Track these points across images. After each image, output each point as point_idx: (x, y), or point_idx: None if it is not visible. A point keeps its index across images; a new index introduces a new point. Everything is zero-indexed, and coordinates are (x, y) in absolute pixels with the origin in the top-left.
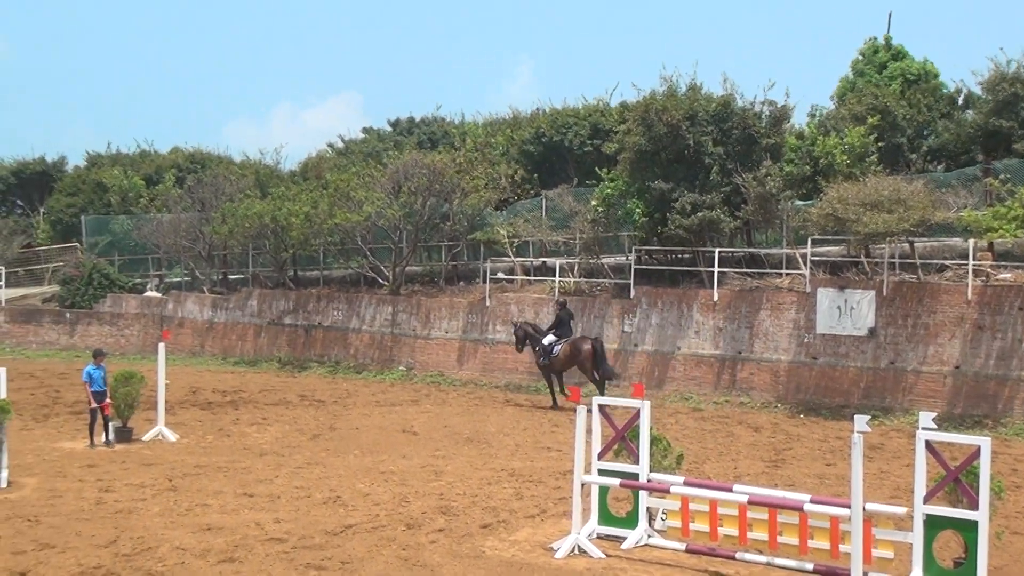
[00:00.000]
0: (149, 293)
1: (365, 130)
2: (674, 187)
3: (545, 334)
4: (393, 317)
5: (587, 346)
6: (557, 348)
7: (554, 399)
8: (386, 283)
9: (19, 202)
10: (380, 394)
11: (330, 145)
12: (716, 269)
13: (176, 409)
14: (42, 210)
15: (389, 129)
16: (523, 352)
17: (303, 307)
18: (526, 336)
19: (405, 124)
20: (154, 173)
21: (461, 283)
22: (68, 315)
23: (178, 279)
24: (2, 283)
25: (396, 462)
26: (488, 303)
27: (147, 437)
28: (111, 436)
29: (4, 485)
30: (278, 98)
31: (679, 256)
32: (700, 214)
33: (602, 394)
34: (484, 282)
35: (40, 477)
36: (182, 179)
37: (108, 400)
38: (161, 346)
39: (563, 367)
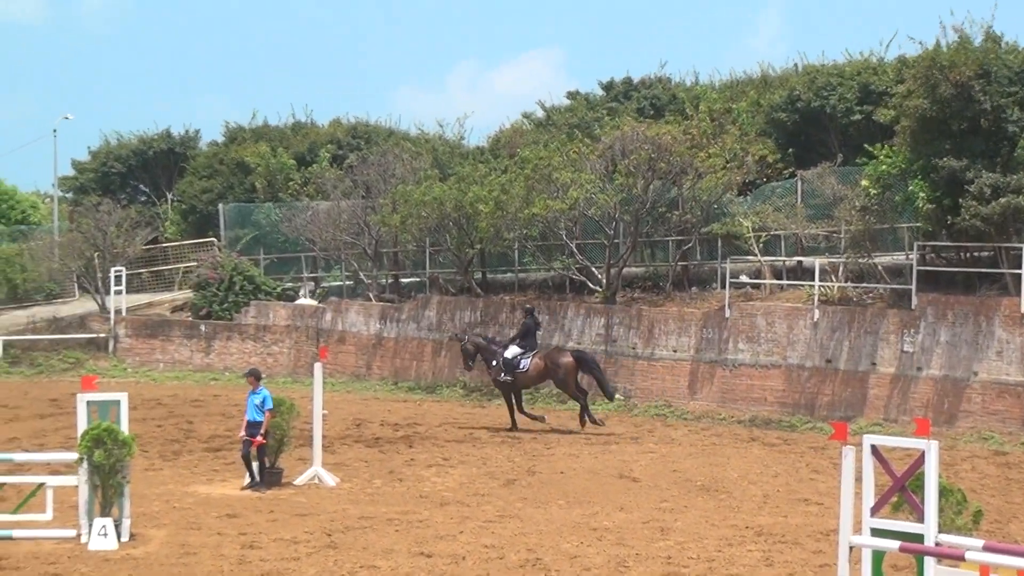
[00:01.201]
0: (302, 301)
1: (570, 95)
2: (968, 165)
3: (505, 345)
4: (607, 331)
5: (567, 359)
6: (525, 362)
7: (513, 420)
8: (598, 288)
9: (143, 187)
10: (591, 429)
11: (526, 115)
12: None
13: (336, 446)
14: (171, 197)
15: (601, 93)
16: (473, 369)
17: (493, 318)
18: (477, 350)
19: (621, 87)
20: (307, 151)
21: (693, 289)
22: (203, 328)
23: (338, 283)
24: (122, 288)
25: (611, 516)
26: (728, 314)
27: (300, 481)
28: (257, 478)
29: (126, 538)
30: (458, 56)
31: (975, 255)
32: (1003, 200)
33: (586, 417)
34: (723, 288)
35: (169, 529)
36: (342, 158)
37: (263, 433)
38: (318, 367)
39: (531, 383)
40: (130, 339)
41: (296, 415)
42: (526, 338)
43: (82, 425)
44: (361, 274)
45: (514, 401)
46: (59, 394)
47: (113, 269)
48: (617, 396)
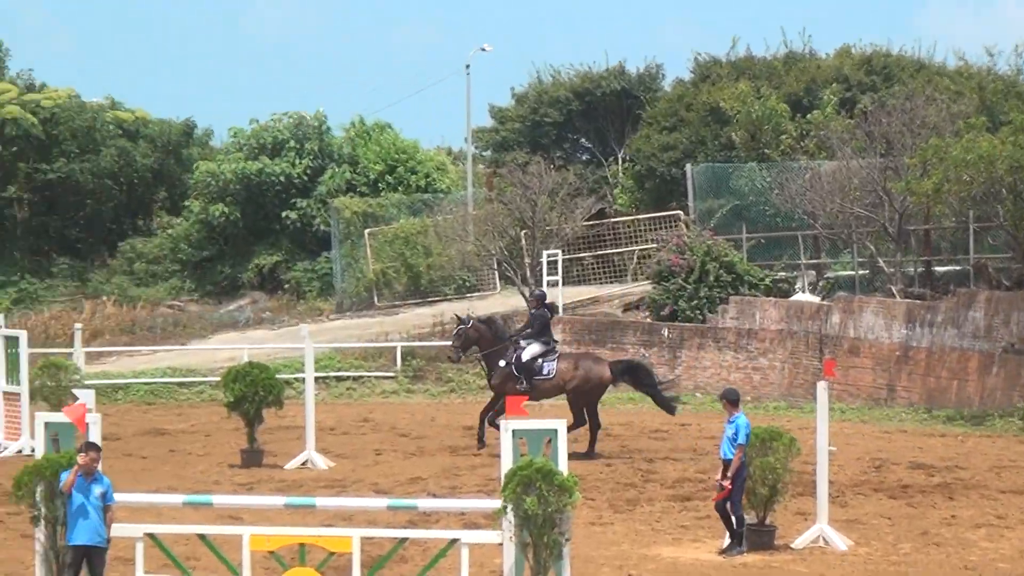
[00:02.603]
0: (800, 296)
1: None
2: None
3: (514, 339)
4: None
5: (603, 371)
6: (550, 367)
7: (482, 436)
8: None
9: (585, 142)
10: None
11: None
12: None
13: (847, 496)
14: (621, 156)
15: None
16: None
17: None
18: (478, 340)
19: None
20: (804, 93)
21: None
22: (665, 332)
23: (848, 272)
24: (558, 278)
25: None
26: None
27: (799, 543)
28: (730, 540)
29: None
30: None
31: None
32: None
33: (592, 446)
34: None
35: None
36: (852, 101)
37: (730, 476)
38: (822, 387)
39: (552, 395)
40: (569, 346)
41: (794, 453)
42: (543, 333)
43: (507, 463)
44: (880, 260)
45: (493, 405)
46: (476, 420)
47: (546, 253)
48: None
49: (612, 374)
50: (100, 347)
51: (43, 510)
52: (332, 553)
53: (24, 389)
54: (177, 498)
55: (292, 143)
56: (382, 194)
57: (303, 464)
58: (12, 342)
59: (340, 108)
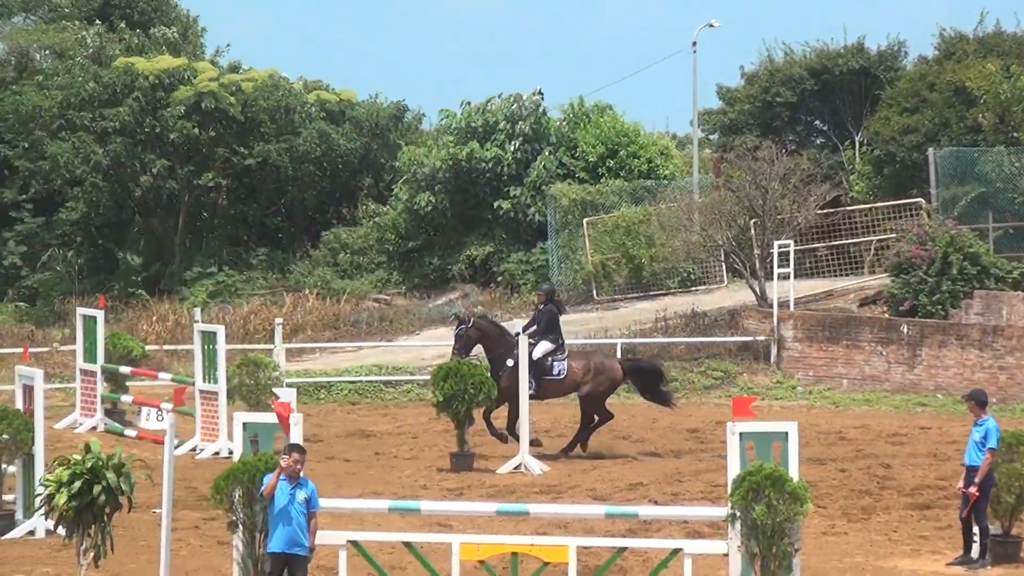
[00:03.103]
0: None
1: None
2: None
3: (522, 337)
4: None
5: (615, 367)
6: (560, 365)
7: (500, 432)
8: None
9: (819, 125)
10: None
11: None
12: None
13: None
14: (859, 139)
15: None
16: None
17: None
18: (482, 340)
19: None
20: None
21: None
22: (905, 328)
23: None
24: (790, 271)
25: None
26: None
27: None
28: (978, 550)
29: None
30: None
31: None
32: None
33: (581, 442)
34: None
35: None
36: None
37: (976, 483)
38: None
39: (562, 394)
40: (800, 343)
41: None
42: (551, 331)
43: (734, 468)
44: None
45: (510, 409)
46: (699, 422)
47: (777, 243)
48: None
49: (623, 371)
50: (302, 343)
51: (241, 516)
52: (546, 563)
53: (222, 388)
54: (382, 504)
55: (503, 125)
56: (601, 181)
57: (516, 468)
58: (209, 338)
59: (556, 89)
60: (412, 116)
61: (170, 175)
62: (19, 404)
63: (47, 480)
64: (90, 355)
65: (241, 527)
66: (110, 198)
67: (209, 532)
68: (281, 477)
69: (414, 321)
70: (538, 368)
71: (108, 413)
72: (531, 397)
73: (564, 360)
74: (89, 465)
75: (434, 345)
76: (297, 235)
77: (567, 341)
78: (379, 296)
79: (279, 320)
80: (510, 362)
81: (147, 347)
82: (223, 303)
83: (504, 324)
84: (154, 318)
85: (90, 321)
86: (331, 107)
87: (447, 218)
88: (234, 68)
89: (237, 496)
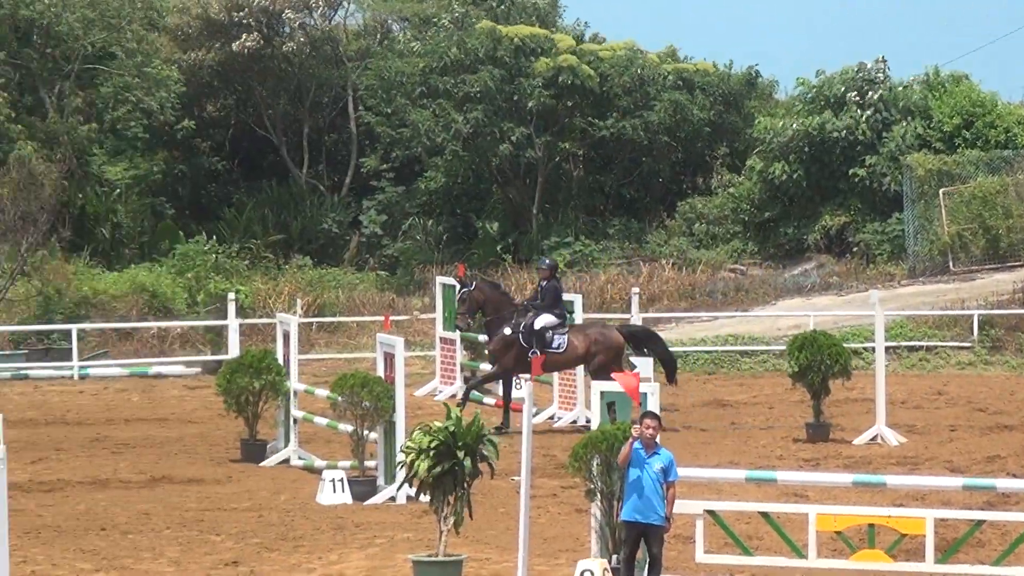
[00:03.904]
0: None
1: None
2: None
3: (523, 310)
4: None
5: (615, 336)
6: (561, 339)
7: (507, 417)
8: None
9: None
10: None
11: None
12: None
13: None
14: None
15: None
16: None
17: None
18: (484, 304)
19: None
20: None
21: None
22: None
23: None
24: None
25: None
26: None
27: None
28: None
29: None
30: None
31: None
32: None
33: None
34: None
35: None
36: None
37: None
38: None
39: (562, 368)
40: None
41: None
42: (557, 305)
43: None
44: None
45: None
46: None
47: None
48: None
49: (624, 337)
50: (657, 313)
51: (599, 484)
52: (903, 535)
53: None
54: (739, 474)
55: (853, 96)
56: (957, 151)
57: (872, 440)
58: (567, 306)
59: (907, 59)
60: (765, 84)
61: (528, 144)
62: (380, 372)
63: (408, 447)
64: (449, 324)
65: (599, 495)
66: (469, 167)
67: (567, 500)
68: (636, 446)
69: (769, 291)
70: (539, 339)
71: (467, 381)
72: (514, 369)
73: (565, 334)
74: (450, 432)
75: (789, 315)
76: (652, 205)
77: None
78: (734, 266)
79: (635, 290)
80: (507, 330)
81: None
82: (580, 272)
83: (508, 293)
84: (512, 287)
85: (449, 290)
86: (686, 76)
87: (802, 188)
88: (592, 39)
89: (595, 465)
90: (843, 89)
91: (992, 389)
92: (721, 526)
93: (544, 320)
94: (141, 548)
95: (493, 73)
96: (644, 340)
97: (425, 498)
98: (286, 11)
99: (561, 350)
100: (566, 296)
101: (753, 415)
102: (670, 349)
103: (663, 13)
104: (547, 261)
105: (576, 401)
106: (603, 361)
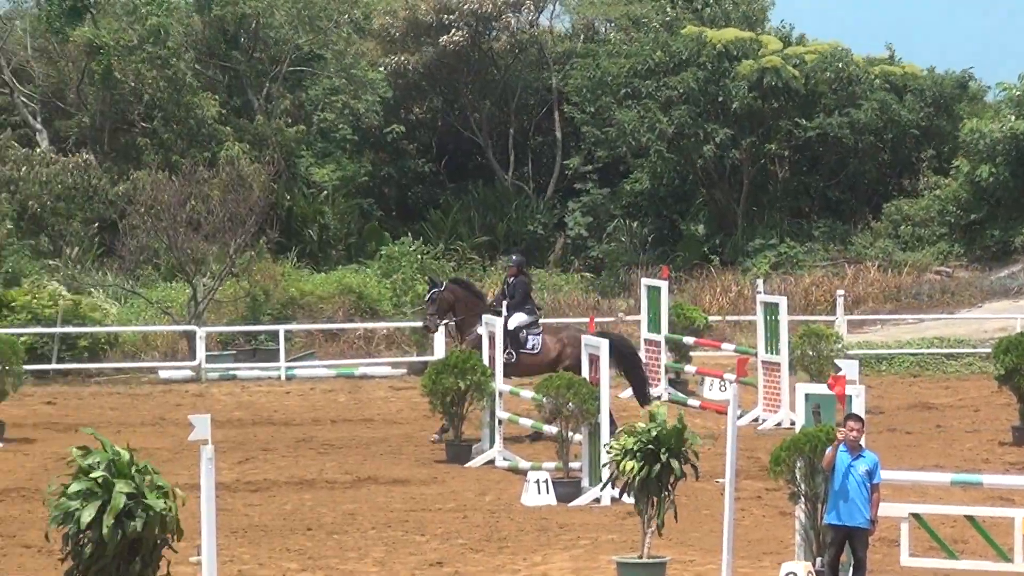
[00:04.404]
0: None
1: None
2: None
3: (494, 306)
4: None
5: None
6: (535, 340)
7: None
8: None
9: None
10: None
11: None
12: None
13: None
14: None
15: None
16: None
17: None
18: (454, 305)
19: None
20: None
21: None
22: None
23: None
24: None
25: None
26: None
27: None
28: None
29: None
30: None
31: None
32: None
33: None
34: None
35: None
36: None
37: None
38: None
39: (535, 372)
40: None
41: None
42: (526, 303)
43: None
44: None
45: None
46: None
47: None
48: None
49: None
50: (862, 315)
51: (803, 487)
52: None
53: (783, 359)
54: (944, 477)
55: None
56: None
57: None
58: (771, 309)
59: None
60: (976, 87)
61: (733, 145)
62: (585, 374)
63: (613, 448)
64: (654, 325)
65: (803, 498)
66: (673, 168)
67: (771, 502)
68: (841, 448)
69: (976, 294)
70: (513, 340)
71: (672, 383)
72: (506, 372)
73: (539, 335)
74: (654, 434)
75: (996, 318)
76: (858, 207)
77: None
78: (940, 268)
79: (840, 292)
80: (480, 329)
81: (710, 318)
82: (784, 274)
83: (481, 292)
84: (717, 289)
85: (654, 291)
86: (894, 79)
87: (1008, 189)
88: (798, 41)
89: (799, 467)
90: None
91: None
92: (926, 529)
93: (517, 320)
94: (347, 548)
95: (697, 75)
96: (623, 354)
97: (630, 499)
98: (498, 11)
99: (536, 351)
100: (773, 299)
101: (958, 418)
102: (644, 366)
103: (870, 14)
104: (515, 257)
105: (781, 403)
106: (576, 364)
